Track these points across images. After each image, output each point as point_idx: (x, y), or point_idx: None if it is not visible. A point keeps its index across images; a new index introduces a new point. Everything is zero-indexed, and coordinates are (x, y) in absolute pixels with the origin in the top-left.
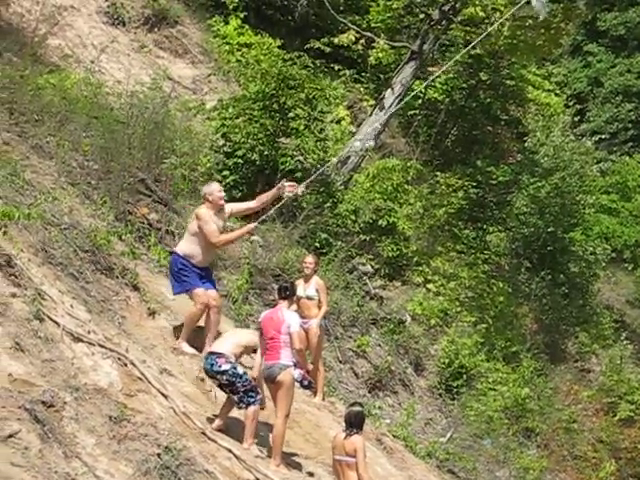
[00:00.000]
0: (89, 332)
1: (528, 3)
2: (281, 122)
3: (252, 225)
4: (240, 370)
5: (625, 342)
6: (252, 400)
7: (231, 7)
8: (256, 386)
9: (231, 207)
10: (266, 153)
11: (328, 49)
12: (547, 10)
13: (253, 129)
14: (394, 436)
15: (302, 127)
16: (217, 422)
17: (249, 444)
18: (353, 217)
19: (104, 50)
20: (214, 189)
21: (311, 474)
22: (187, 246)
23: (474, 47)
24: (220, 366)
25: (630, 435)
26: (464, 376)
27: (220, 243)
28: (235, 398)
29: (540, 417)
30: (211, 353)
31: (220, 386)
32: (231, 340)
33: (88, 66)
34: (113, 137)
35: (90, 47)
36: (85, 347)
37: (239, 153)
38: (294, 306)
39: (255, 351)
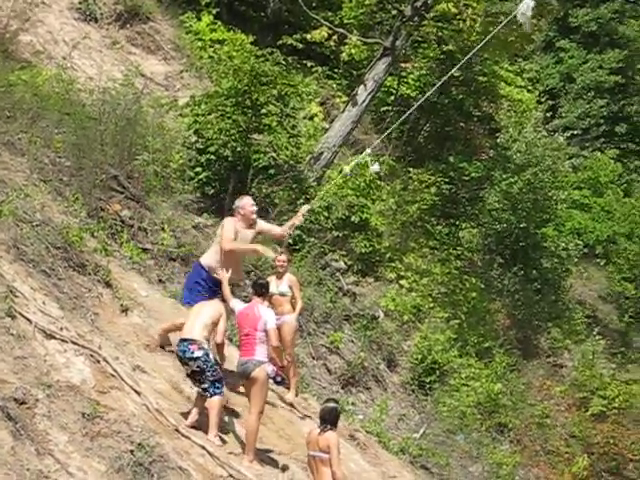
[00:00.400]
0: (61, 329)
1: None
2: (253, 118)
3: (258, 246)
4: (212, 359)
5: (597, 337)
6: (218, 391)
7: (203, 3)
8: (222, 378)
9: (261, 224)
10: (239, 149)
11: (300, 45)
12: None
13: (225, 125)
14: (367, 432)
15: (274, 123)
16: (190, 418)
17: (214, 435)
18: (326, 213)
19: (76, 46)
20: (246, 203)
21: (284, 470)
22: (210, 258)
23: (446, 44)
24: (193, 352)
25: (602, 430)
26: (437, 372)
27: (227, 248)
28: (201, 387)
29: (513, 412)
30: (183, 340)
31: (190, 374)
32: (198, 323)
33: (60, 62)
34: (85, 134)
35: (62, 43)
36: (57, 344)
37: (211, 149)
38: (266, 302)
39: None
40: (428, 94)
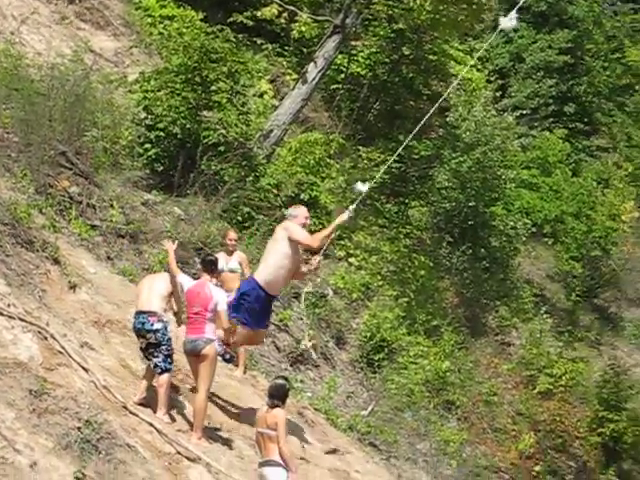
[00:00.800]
0: (9, 305)
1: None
2: (203, 95)
3: (339, 220)
4: (169, 333)
5: (544, 316)
6: (169, 366)
7: None
8: (173, 354)
9: None
10: (188, 126)
11: (251, 23)
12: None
13: (175, 102)
14: (315, 409)
15: (224, 100)
16: (139, 395)
17: (163, 413)
18: (275, 191)
19: (24, 21)
20: (301, 213)
21: (232, 447)
22: (268, 272)
23: (396, 22)
24: (152, 324)
25: (549, 408)
26: (385, 350)
27: (320, 244)
28: (154, 361)
29: (460, 390)
30: (141, 312)
31: (145, 348)
32: (155, 295)
33: (8, 37)
34: (33, 109)
35: (10, 18)
36: (5, 321)
37: (161, 126)
38: (214, 280)
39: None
40: (451, 87)
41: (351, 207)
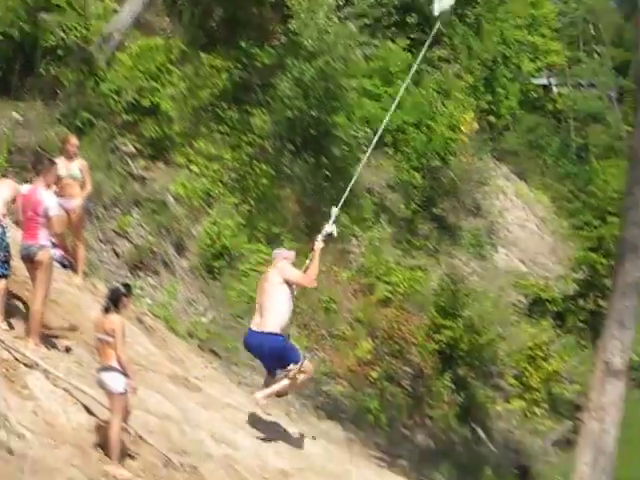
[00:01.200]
0: None
1: None
2: None
3: (318, 250)
4: (7, 239)
5: (384, 225)
6: (6, 273)
7: None
8: (11, 260)
9: None
10: (26, 29)
11: None
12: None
13: (12, 4)
14: (155, 316)
15: (64, 3)
16: None
17: (0, 320)
18: (116, 97)
19: None
20: (291, 255)
21: (70, 353)
22: (282, 319)
23: None
24: None
25: (387, 315)
26: (226, 257)
27: (314, 282)
28: None
29: (301, 297)
30: None
31: None
32: None
33: None
34: None
35: None
36: None
37: None
38: (54, 186)
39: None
40: None
41: (319, 236)
